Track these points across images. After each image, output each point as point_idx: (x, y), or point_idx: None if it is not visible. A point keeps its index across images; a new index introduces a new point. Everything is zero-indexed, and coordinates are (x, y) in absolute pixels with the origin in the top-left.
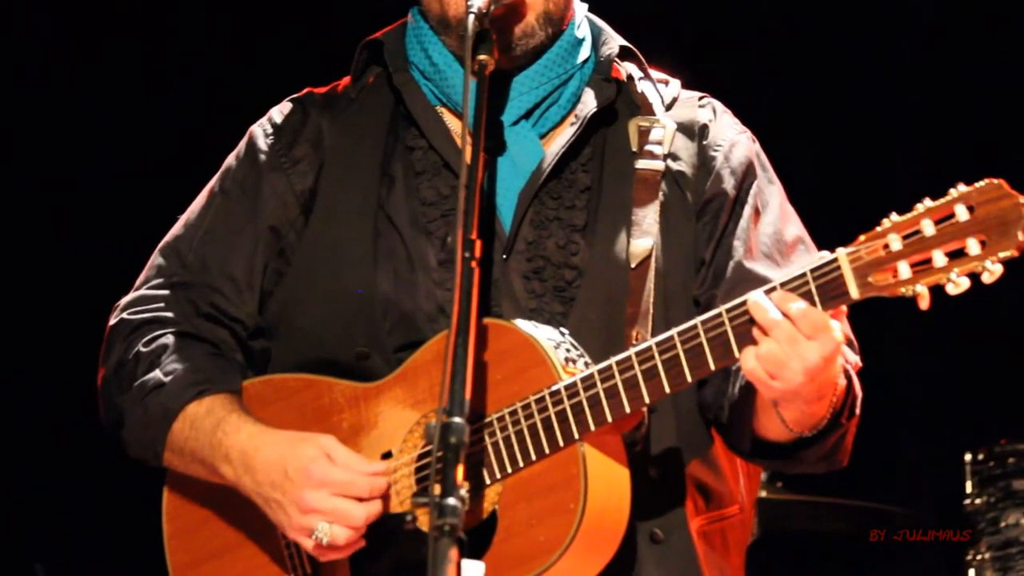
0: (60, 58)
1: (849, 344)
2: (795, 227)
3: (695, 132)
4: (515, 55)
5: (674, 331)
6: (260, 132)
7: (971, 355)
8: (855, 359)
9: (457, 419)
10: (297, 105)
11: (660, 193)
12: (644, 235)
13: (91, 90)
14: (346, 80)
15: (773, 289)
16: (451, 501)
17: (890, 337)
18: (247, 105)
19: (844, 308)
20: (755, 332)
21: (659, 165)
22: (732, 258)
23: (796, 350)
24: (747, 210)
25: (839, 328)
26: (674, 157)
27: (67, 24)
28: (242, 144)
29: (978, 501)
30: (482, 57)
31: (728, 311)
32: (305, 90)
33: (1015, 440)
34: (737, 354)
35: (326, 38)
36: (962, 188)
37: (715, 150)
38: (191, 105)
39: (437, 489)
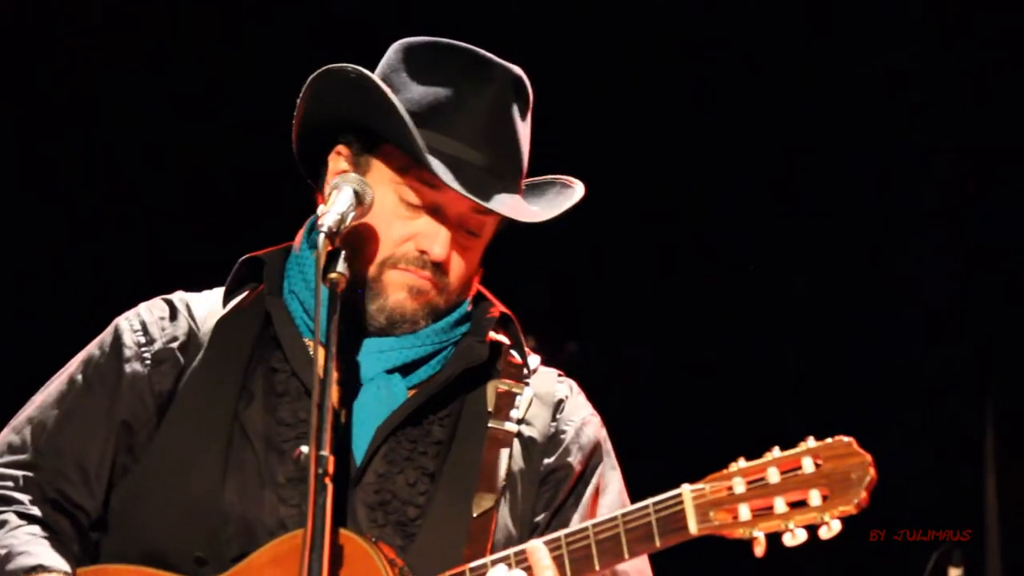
0: None
1: None
2: None
3: (551, 404)
4: (382, 325)
5: (508, 551)
6: (127, 326)
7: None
8: None
9: None
10: (168, 305)
11: (510, 454)
12: (489, 490)
13: None
14: (220, 290)
15: (611, 519)
16: None
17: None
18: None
19: None
20: None
21: (512, 428)
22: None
23: None
24: (589, 488)
25: None
26: (528, 423)
27: None
28: (107, 335)
29: None
30: (333, 276)
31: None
32: (177, 292)
33: None
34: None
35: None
36: (812, 442)
37: (567, 424)
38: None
39: None
